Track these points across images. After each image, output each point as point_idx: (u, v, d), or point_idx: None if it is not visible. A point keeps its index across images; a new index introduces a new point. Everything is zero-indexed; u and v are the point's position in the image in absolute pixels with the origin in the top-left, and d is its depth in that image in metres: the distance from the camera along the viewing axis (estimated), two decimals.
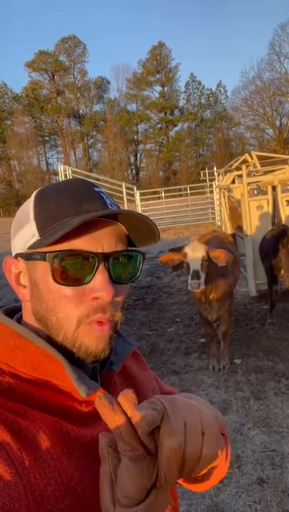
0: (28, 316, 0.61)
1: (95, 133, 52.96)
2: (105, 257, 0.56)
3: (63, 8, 61.17)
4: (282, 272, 4.62)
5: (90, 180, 0.67)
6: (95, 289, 0.55)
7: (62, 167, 13.61)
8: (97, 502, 0.46)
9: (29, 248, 0.57)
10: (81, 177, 0.65)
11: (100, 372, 0.63)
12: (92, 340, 0.56)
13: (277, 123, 45.43)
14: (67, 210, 0.56)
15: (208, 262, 3.22)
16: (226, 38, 62.90)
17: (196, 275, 3.15)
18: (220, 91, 51.41)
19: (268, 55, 42.54)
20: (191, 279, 3.15)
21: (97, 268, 0.55)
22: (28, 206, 0.59)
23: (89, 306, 0.55)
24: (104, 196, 0.60)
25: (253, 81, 44.45)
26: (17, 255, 0.60)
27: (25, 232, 0.58)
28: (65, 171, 13.64)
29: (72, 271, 0.55)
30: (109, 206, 0.59)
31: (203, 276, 3.17)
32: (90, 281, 0.55)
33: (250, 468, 2.40)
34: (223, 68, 68.05)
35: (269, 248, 4.63)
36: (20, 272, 0.60)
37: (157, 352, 4.20)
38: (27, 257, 0.57)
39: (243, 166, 5.21)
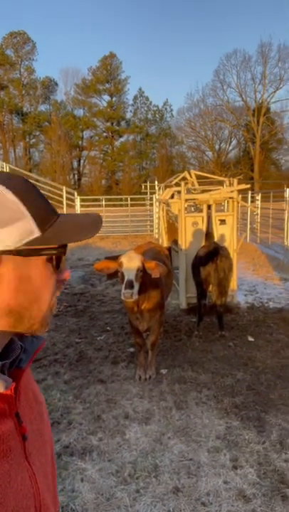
0: None
1: (38, 133, 51.52)
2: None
3: (14, 2, 59.26)
4: (211, 287, 4.85)
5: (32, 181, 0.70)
6: (62, 278, 0.64)
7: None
8: (5, 497, 0.49)
9: (27, 244, 0.57)
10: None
11: (9, 369, 0.63)
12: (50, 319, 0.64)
13: (217, 147, 48.16)
14: (48, 206, 0.61)
15: (142, 272, 3.27)
16: (175, 59, 65.74)
17: (129, 285, 3.17)
18: (166, 109, 53.13)
19: (213, 81, 45.15)
20: (125, 289, 3.17)
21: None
22: (9, 201, 0.56)
23: (56, 293, 0.64)
24: None
25: (197, 104, 46.76)
26: (3, 252, 0.55)
27: (19, 228, 0.56)
28: (2, 167, 13.01)
29: (61, 264, 0.62)
30: None
31: (136, 286, 3.21)
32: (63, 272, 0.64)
33: (167, 477, 2.44)
34: (171, 88, 70.79)
35: (200, 264, 4.83)
36: None
37: (85, 360, 4.12)
38: (26, 253, 0.57)
39: (182, 183, 5.42)
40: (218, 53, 75.66)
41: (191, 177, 6.80)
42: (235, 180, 5.68)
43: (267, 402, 3.27)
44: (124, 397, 3.34)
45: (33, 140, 52.51)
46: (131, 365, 3.96)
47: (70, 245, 0.73)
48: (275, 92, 42.96)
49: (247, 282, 7.37)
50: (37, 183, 15.20)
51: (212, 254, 4.76)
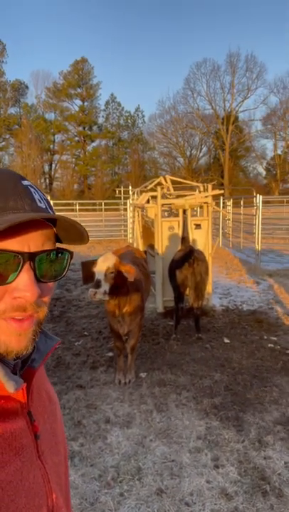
0: None
1: (8, 136, 50.52)
2: (31, 257, 0.55)
3: None
4: (188, 290, 4.92)
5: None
6: (18, 289, 0.54)
7: None
8: (16, 494, 0.49)
9: None
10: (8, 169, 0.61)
11: (21, 369, 0.63)
12: (12, 338, 0.55)
13: (188, 153, 48.99)
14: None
15: (114, 274, 3.28)
16: (146, 65, 66.53)
17: (96, 284, 3.19)
18: (138, 115, 53.53)
19: (183, 89, 46.09)
20: (91, 287, 3.18)
21: (21, 267, 0.54)
22: None
23: (8, 304, 0.54)
24: (32, 191, 0.59)
25: (168, 111, 47.45)
26: None
27: None
28: None
29: (14, 275, 0.54)
30: (38, 203, 0.58)
31: (105, 286, 3.21)
32: (13, 280, 0.54)
33: (150, 479, 2.46)
34: (142, 94, 71.49)
35: (177, 268, 4.90)
36: None
37: (63, 366, 4.07)
38: None
39: (158, 188, 5.49)
40: (189, 62, 77.26)
41: (166, 182, 6.90)
42: (210, 186, 5.81)
43: (244, 401, 3.35)
44: (104, 402, 3.33)
45: (3, 143, 51.40)
46: (110, 369, 3.95)
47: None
48: (243, 101, 44.34)
49: (221, 286, 7.53)
50: None
51: (188, 257, 4.84)
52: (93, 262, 3.38)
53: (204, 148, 49.66)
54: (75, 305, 6.42)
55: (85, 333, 5.08)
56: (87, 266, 3.39)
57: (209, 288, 5.98)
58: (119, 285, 3.34)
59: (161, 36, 62.25)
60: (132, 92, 68.15)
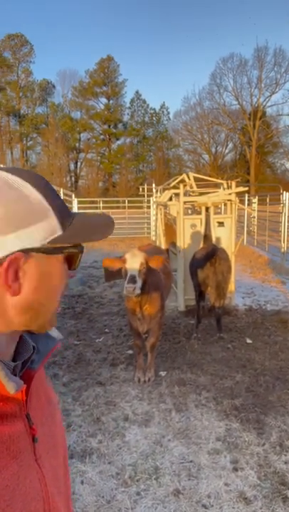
0: None
1: (35, 135, 51.57)
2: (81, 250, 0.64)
3: (12, 5, 59.44)
4: (209, 289, 4.85)
5: None
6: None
7: None
8: (13, 499, 0.49)
9: (50, 243, 0.57)
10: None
11: (21, 370, 0.63)
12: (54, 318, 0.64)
13: (213, 150, 48.42)
14: (64, 204, 0.61)
15: (146, 270, 3.29)
16: (172, 62, 66.14)
17: (132, 279, 3.20)
18: (163, 112, 53.32)
19: (209, 85, 45.42)
20: (127, 283, 3.19)
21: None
22: (31, 196, 0.55)
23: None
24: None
25: (194, 107, 47.01)
26: (31, 250, 0.56)
27: (44, 227, 0.56)
28: None
29: (75, 264, 0.63)
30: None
31: (139, 282, 3.23)
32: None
33: (168, 479, 2.44)
34: (167, 91, 71.18)
35: (198, 266, 4.84)
36: (20, 267, 0.56)
37: (83, 362, 4.11)
38: (50, 251, 0.57)
39: (181, 185, 5.43)
40: (215, 57, 76.15)
41: (189, 179, 6.83)
42: (234, 183, 5.70)
43: (266, 404, 3.27)
44: (123, 400, 3.33)
45: (30, 142, 52.53)
46: (130, 367, 3.96)
47: None
48: (270, 96, 43.27)
49: (244, 285, 7.39)
50: None
51: (210, 255, 4.77)
52: (114, 260, 3.39)
53: (230, 145, 48.87)
54: (97, 302, 6.47)
55: (106, 330, 5.11)
56: (109, 264, 3.40)
57: (232, 287, 5.88)
58: (147, 281, 3.35)
59: (186, 32, 61.67)
60: (157, 89, 68.08)
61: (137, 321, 3.63)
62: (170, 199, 5.93)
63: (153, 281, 3.50)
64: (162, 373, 3.81)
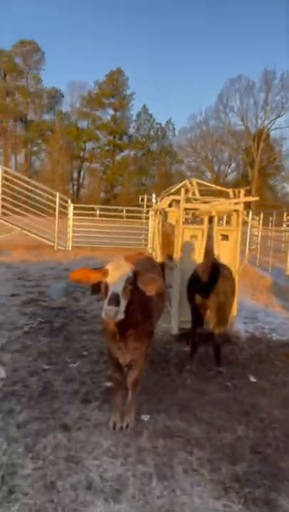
0: None
1: (40, 141, 51.53)
2: None
3: (25, 15, 60.34)
4: (209, 312, 4.08)
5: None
6: None
7: None
8: None
9: None
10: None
11: None
12: None
13: (216, 168, 48.36)
14: None
15: (132, 286, 2.52)
16: (180, 79, 66.92)
17: (114, 300, 2.39)
18: (168, 127, 53.47)
19: (216, 104, 45.58)
20: (108, 305, 2.39)
21: None
22: None
23: None
24: None
25: (199, 125, 47.08)
26: None
27: None
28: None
29: None
30: None
31: (123, 302, 2.44)
32: None
33: None
34: (174, 107, 71.71)
35: (198, 284, 4.08)
36: None
37: (49, 395, 3.31)
38: None
39: (182, 190, 4.74)
40: (223, 78, 77.11)
41: (192, 185, 6.13)
42: (242, 192, 5.00)
43: (277, 473, 2.47)
44: (90, 455, 2.52)
45: (35, 148, 52.49)
46: (105, 405, 3.15)
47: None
48: (276, 119, 43.46)
49: (246, 308, 6.61)
50: (31, 188, 14.51)
51: (213, 272, 4.01)
52: (91, 272, 2.63)
53: (233, 165, 48.81)
54: (79, 317, 5.69)
55: (84, 352, 4.32)
56: (81, 276, 2.65)
57: (234, 310, 5.11)
58: (133, 301, 2.58)
59: (196, 52, 62.41)
60: (164, 105, 68.51)
61: (118, 351, 2.84)
62: (170, 206, 5.22)
63: (141, 301, 2.73)
64: (144, 417, 3.01)
